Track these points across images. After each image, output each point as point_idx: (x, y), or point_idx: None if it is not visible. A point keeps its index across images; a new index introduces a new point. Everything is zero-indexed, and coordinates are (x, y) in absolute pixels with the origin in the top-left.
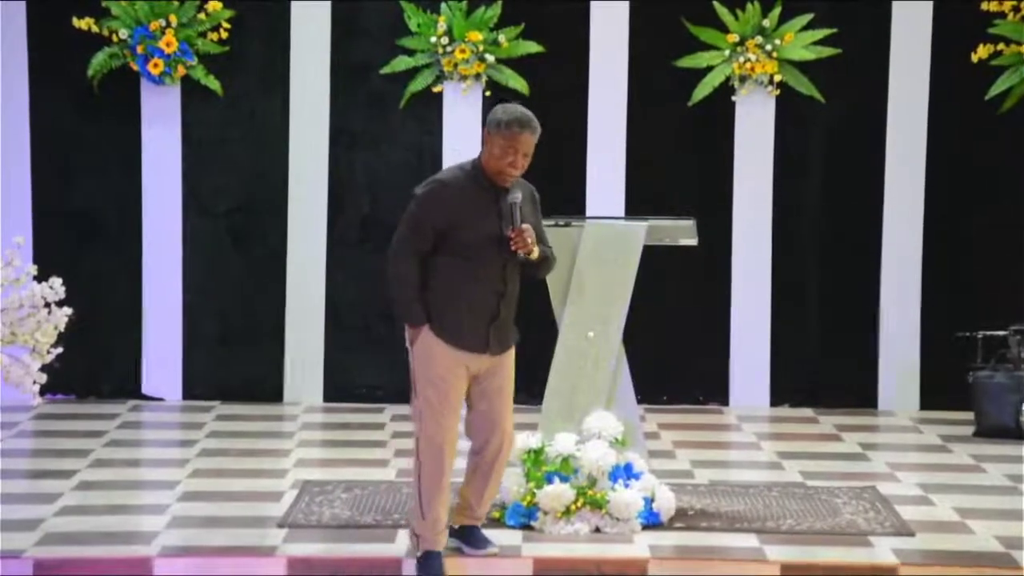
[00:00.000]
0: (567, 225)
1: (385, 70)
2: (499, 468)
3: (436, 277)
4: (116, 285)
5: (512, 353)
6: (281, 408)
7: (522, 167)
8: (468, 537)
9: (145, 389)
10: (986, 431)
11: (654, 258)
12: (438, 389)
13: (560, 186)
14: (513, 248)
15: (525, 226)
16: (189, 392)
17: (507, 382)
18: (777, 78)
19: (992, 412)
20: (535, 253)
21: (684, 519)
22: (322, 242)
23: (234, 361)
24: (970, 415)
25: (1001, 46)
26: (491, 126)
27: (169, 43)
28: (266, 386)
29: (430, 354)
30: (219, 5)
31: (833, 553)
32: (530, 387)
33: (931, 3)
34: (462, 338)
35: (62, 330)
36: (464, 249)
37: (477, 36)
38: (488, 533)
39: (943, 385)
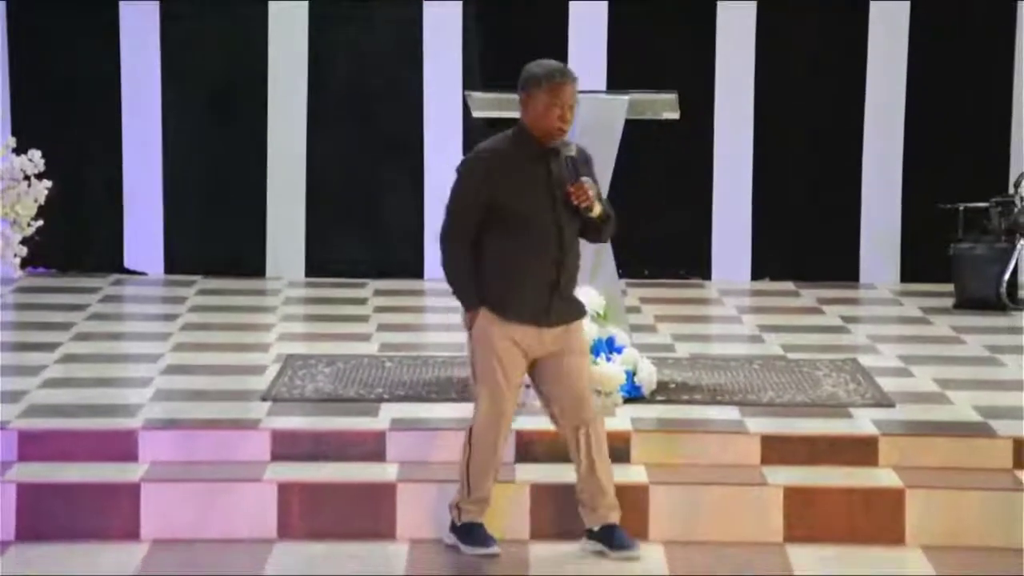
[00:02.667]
0: None
1: None
2: (602, 452)
3: (490, 252)
4: (97, 160)
5: (580, 328)
6: (263, 283)
7: (570, 121)
8: (609, 539)
9: (127, 263)
10: (966, 303)
11: (636, 132)
12: (499, 370)
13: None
14: (575, 203)
15: (584, 179)
16: (171, 266)
17: (583, 360)
18: None
19: (972, 284)
20: (596, 209)
21: (666, 392)
22: (302, 117)
23: (216, 236)
24: (950, 287)
25: None
26: (529, 85)
27: None
28: (248, 261)
29: (488, 337)
30: None
31: (813, 425)
32: None
33: None
34: (523, 312)
35: (42, 203)
36: (517, 219)
37: None
38: (470, 407)
39: (924, 257)
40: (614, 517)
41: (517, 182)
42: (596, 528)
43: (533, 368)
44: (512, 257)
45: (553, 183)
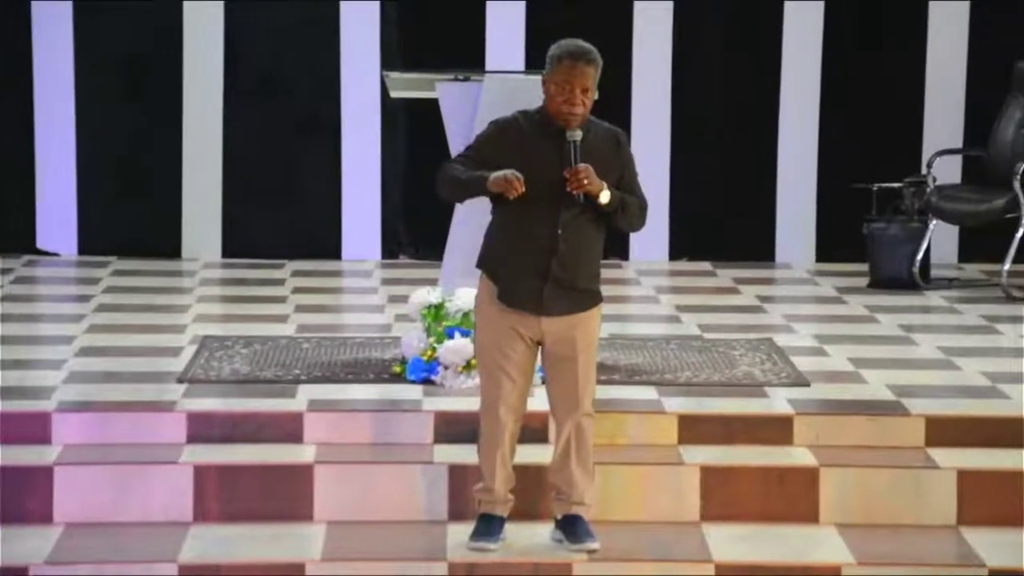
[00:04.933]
0: (466, 79)
1: None
2: (581, 450)
3: (495, 225)
4: (8, 138)
5: (589, 320)
6: (179, 264)
7: (582, 104)
8: (568, 529)
9: (40, 243)
10: (880, 282)
11: None
12: (495, 352)
13: (460, 41)
14: (569, 189)
15: (583, 165)
16: (85, 247)
17: (582, 353)
18: None
19: (886, 263)
20: (604, 197)
21: None
22: (218, 96)
23: (130, 216)
24: (865, 267)
25: None
26: (546, 64)
27: None
28: (163, 241)
29: (486, 314)
30: None
31: (729, 404)
32: (431, 242)
33: None
34: (515, 295)
35: None
36: (518, 199)
37: None
38: (388, 388)
39: (839, 237)
40: (578, 511)
41: (524, 159)
42: (559, 517)
43: (542, 351)
44: (511, 233)
45: (562, 166)
